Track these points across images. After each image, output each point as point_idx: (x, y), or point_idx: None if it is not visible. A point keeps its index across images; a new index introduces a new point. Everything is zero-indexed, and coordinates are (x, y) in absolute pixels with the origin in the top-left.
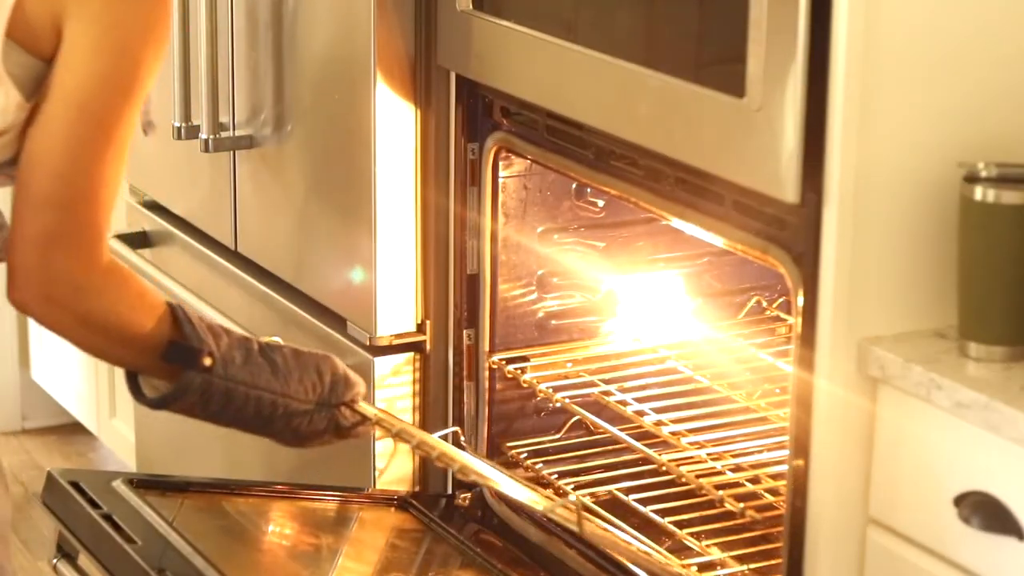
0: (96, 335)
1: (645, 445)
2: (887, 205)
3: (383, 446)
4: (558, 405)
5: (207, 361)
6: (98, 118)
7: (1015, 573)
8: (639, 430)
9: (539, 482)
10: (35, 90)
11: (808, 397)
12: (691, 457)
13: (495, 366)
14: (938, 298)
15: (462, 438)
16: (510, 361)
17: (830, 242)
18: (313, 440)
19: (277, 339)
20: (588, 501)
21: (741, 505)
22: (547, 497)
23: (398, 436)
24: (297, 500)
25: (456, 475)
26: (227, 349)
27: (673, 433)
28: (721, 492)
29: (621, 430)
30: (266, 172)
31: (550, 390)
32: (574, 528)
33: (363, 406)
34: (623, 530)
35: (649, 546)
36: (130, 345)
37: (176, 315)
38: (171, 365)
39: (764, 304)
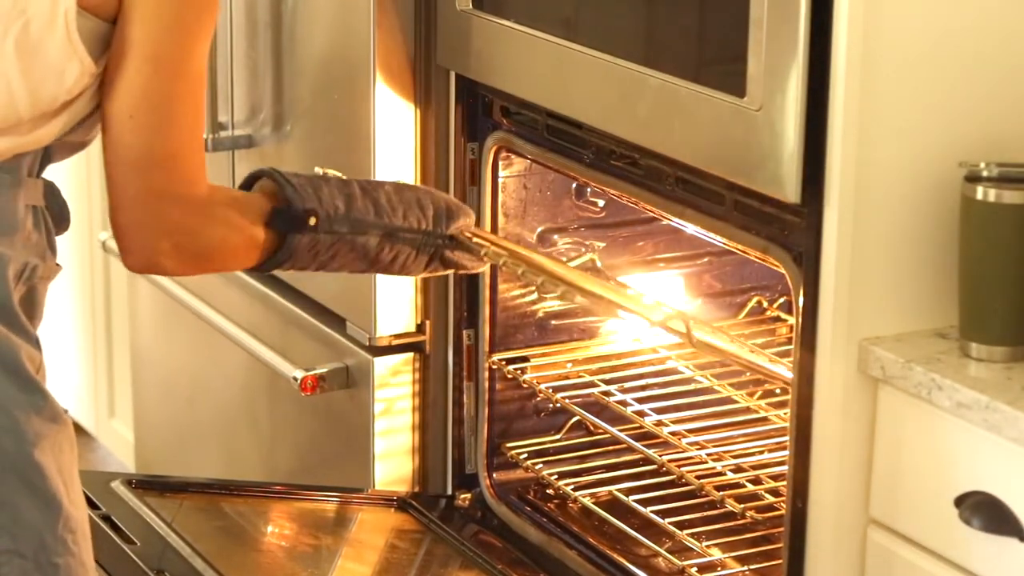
0: (216, 258)
1: (645, 445)
2: (888, 205)
3: (382, 446)
4: (558, 405)
5: (312, 221)
6: (173, 64)
7: (1016, 574)
8: (639, 430)
9: (539, 483)
10: (101, 53)
11: (809, 397)
12: (692, 457)
13: (495, 366)
14: (939, 298)
15: (598, 263)
16: (510, 361)
17: (831, 242)
18: (420, 271)
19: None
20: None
21: (742, 506)
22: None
23: (512, 261)
24: (296, 501)
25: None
26: (329, 200)
27: (673, 433)
28: (722, 493)
29: (621, 430)
30: None
31: (550, 390)
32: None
33: (475, 235)
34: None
35: (755, 352)
36: (243, 240)
37: (276, 180)
38: (279, 233)
39: (764, 304)
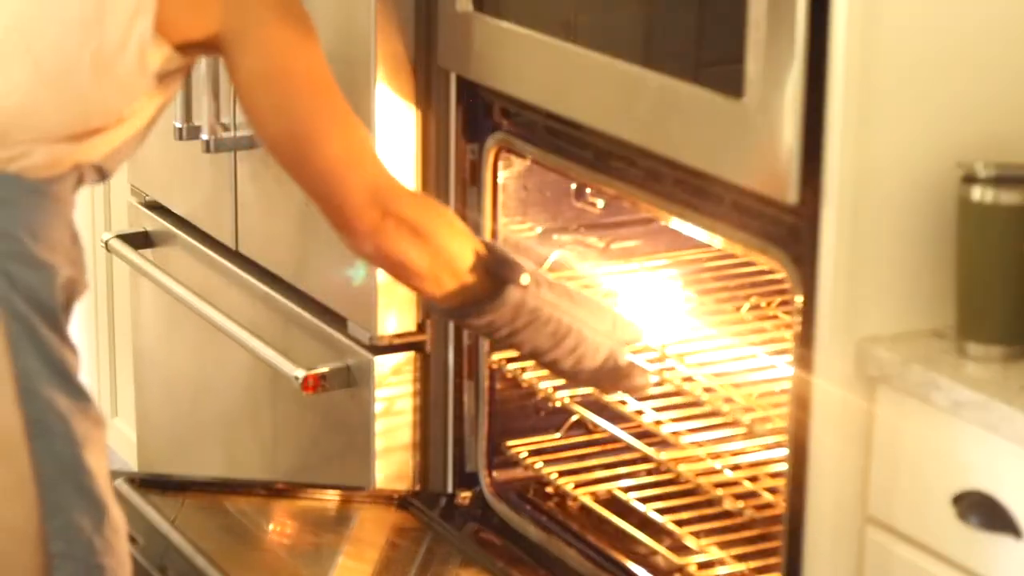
0: (435, 243)
1: (645, 444)
2: (885, 205)
3: (383, 445)
4: (558, 404)
5: (525, 278)
6: (320, 79)
7: (1013, 571)
8: (639, 429)
9: (539, 481)
10: (162, 80)
11: (807, 397)
12: (690, 456)
13: (495, 365)
14: (936, 298)
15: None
16: (510, 360)
17: (829, 242)
18: (589, 372)
19: None
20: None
21: (740, 504)
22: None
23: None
24: (298, 499)
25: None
26: (533, 270)
27: (673, 432)
28: (720, 491)
29: (621, 429)
30: (267, 172)
31: (550, 389)
32: None
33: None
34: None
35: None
36: (462, 247)
37: (486, 243)
38: (493, 278)
39: (762, 304)
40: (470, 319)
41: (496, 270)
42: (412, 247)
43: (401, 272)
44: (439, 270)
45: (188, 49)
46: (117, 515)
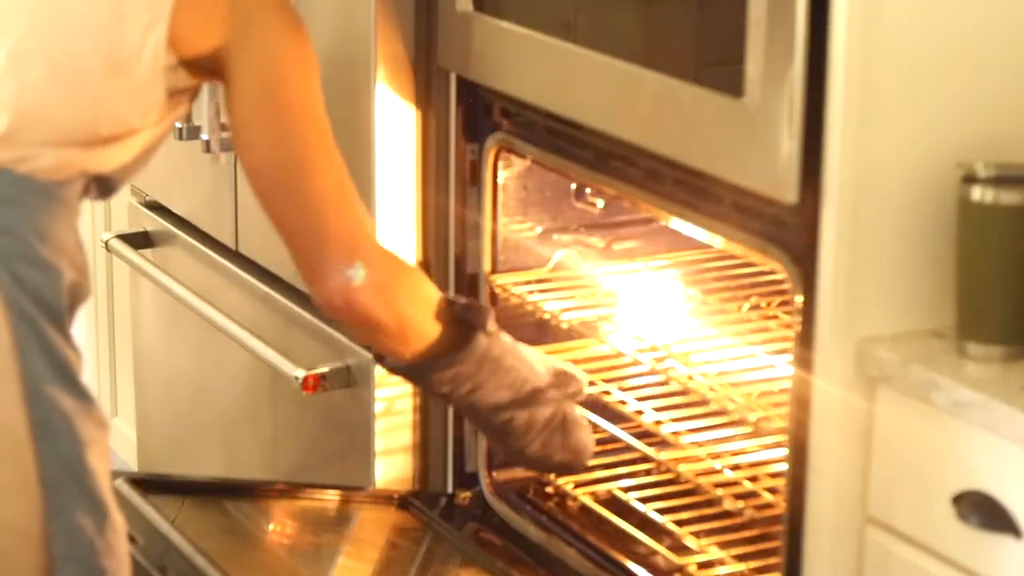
0: (405, 299)
1: (645, 444)
2: (885, 205)
3: (383, 444)
4: None
5: (492, 324)
6: (317, 106)
7: (1013, 571)
8: (639, 429)
9: (539, 481)
10: (171, 94)
11: (807, 397)
12: (691, 456)
13: None
14: (936, 298)
15: None
16: None
17: (829, 242)
18: (538, 428)
19: None
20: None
21: (740, 504)
22: None
23: None
24: (298, 499)
25: None
26: (492, 316)
27: (673, 432)
28: (720, 491)
29: (621, 429)
30: None
31: None
32: None
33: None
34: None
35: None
36: (428, 303)
37: (446, 296)
38: (461, 325)
39: (763, 304)
40: (438, 371)
41: (464, 316)
42: (381, 302)
43: (367, 328)
44: (405, 327)
45: (196, 68)
46: (117, 517)
